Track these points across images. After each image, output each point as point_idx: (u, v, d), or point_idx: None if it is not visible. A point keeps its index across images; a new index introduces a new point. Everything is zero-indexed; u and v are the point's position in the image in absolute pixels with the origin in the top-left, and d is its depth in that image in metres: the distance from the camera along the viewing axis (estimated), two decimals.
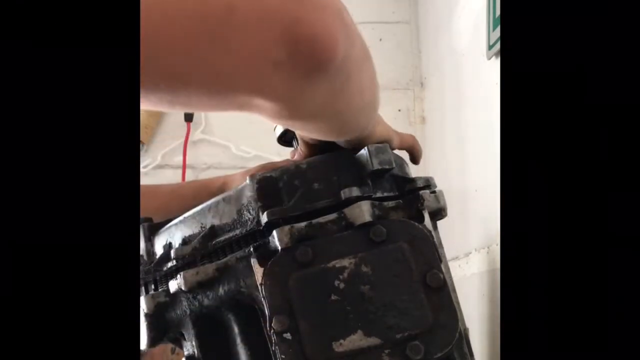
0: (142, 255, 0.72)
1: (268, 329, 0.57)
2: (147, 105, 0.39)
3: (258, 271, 0.58)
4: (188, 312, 0.65)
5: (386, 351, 0.55)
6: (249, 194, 0.62)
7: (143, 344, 0.68)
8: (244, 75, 0.36)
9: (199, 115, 1.91)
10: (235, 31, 0.34)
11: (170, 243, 0.70)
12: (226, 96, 0.39)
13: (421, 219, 0.61)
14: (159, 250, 0.71)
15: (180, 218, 0.70)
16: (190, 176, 1.89)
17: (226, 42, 0.34)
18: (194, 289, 0.63)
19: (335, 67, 0.36)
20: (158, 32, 0.34)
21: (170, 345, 0.86)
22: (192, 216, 0.68)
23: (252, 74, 0.36)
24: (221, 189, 0.88)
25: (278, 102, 0.40)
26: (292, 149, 0.80)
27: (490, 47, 1.28)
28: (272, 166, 0.75)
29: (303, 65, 0.36)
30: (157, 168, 1.89)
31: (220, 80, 0.37)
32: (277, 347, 0.56)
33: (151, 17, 0.33)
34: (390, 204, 0.61)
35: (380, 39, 2.01)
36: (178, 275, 0.63)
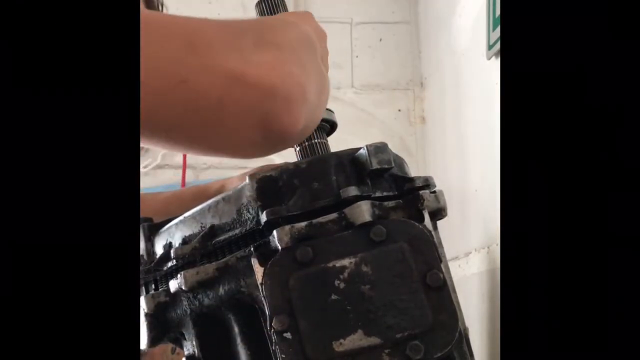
0: (142, 255, 0.72)
1: (268, 328, 0.57)
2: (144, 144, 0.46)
3: (258, 271, 0.58)
4: (188, 311, 0.65)
5: (386, 351, 0.55)
6: (248, 193, 0.62)
7: (143, 343, 0.68)
8: (227, 149, 0.48)
9: None
10: (223, 121, 0.43)
11: (170, 243, 0.70)
12: (209, 154, 0.52)
13: (421, 219, 0.61)
14: (159, 250, 0.71)
15: (180, 218, 0.70)
16: (190, 176, 1.89)
17: (215, 128, 0.43)
18: (194, 289, 0.63)
19: (296, 138, 0.47)
20: (157, 114, 0.41)
21: (170, 345, 0.85)
22: (192, 216, 0.68)
23: (234, 149, 0.49)
24: (219, 192, 0.88)
25: (244, 158, 0.55)
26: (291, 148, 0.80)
27: (490, 47, 1.28)
28: (271, 167, 0.76)
29: (272, 143, 0.46)
30: (157, 168, 1.89)
31: (207, 149, 0.49)
32: (277, 347, 0.56)
33: (149, 100, 0.40)
34: (391, 203, 0.61)
35: (380, 39, 2.01)
36: (178, 275, 0.63)
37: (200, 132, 0.44)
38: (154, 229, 0.73)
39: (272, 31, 0.49)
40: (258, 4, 0.74)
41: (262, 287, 0.58)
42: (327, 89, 0.53)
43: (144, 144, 0.46)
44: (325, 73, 0.53)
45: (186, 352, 0.69)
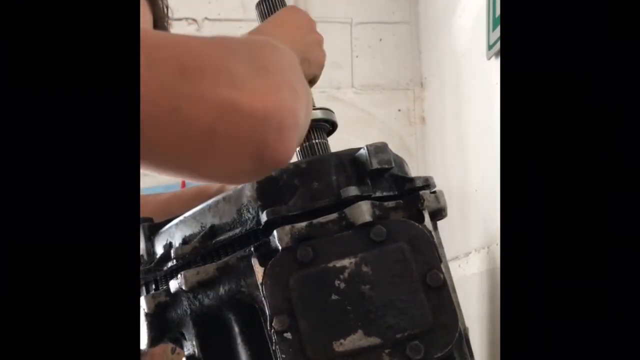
0: (142, 255, 0.72)
1: (269, 328, 0.57)
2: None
3: (259, 271, 0.59)
4: (188, 311, 0.65)
5: (386, 351, 0.55)
6: (248, 193, 0.62)
7: (143, 343, 0.68)
8: (218, 177, 0.48)
9: None
10: (215, 150, 0.42)
11: (170, 243, 0.70)
12: (200, 181, 0.52)
13: (421, 219, 0.61)
14: (159, 250, 0.71)
15: (180, 218, 0.70)
16: None
17: (207, 156, 0.43)
18: (194, 289, 0.63)
19: (287, 162, 0.46)
20: (148, 141, 0.40)
21: (170, 345, 0.86)
22: (192, 216, 0.68)
23: (225, 177, 0.49)
24: (220, 192, 0.88)
25: (235, 184, 0.55)
26: None
27: (490, 47, 1.28)
28: None
29: (265, 169, 0.46)
30: None
31: (198, 177, 0.50)
32: (277, 347, 0.56)
33: (144, 129, 0.39)
34: (391, 204, 0.61)
35: (380, 39, 2.01)
36: (178, 275, 0.63)
37: (191, 160, 0.44)
38: (154, 229, 0.73)
39: (264, 54, 0.48)
40: (258, 4, 0.75)
41: (262, 287, 0.58)
42: (311, 106, 0.53)
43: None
44: (309, 90, 0.52)
45: (186, 352, 0.69)
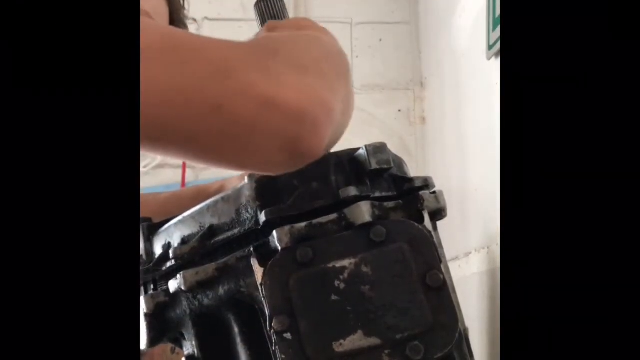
0: (142, 255, 0.72)
1: (268, 328, 0.57)
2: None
3: (258, 271, 0.58)
4: (188, 311, 0.65)
5: (386, 351, 0.55)
6: (247, 193, 0.62)
7: (143, 344, 0.68)
8: (252, 167, 0.50)
9: None
10: (252, 143, 0.44)
11: (169, 243, 0.70)
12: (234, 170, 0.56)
13: (421, 219, 0.61)
14: (158, 250, 0.71)
15: (179, 218, 0.70)
16: (190, 176, 1.89)
17: (244, 149, 0.45)
18: (194, 289, 0.63)
19: (319, 156, 0.47)
20: (192, 139, 0.44)
21: (170, 345, 0.85)
22: (191, 216, 0.68)
23: (259, 167, 0.50)
24: (219, 192, 0.88)
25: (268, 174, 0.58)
26: None
27: (490, 47, 1.28)
28: None
29: (297, 162, 0.48)
30: (157, 168, 1.89)
31: (234, 167, 0.51)
32: (277, 347, 0.56)
33: (185, 127, 0.42)
34: (390, 204, 0.61)
35: (380, 39, 2.01)
36: (178, 275, 0.63)
37: (229, 153, 0.46)
38: (153, 229, 0.73)
39: (301, 50, 0.50)
40: (257, 4, 0.74)
41: (262, 287, 0.58)
42: (352, 105, 0.54)
43: (170, 157, 0.45)
44: (352, 89, 0.53)
45: (186, 352, 0.69)
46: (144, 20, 0.43)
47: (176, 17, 0.80)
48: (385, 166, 0.61)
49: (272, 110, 0.43)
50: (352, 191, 0.59)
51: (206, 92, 0.42)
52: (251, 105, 0.43)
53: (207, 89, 0.42)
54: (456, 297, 0.61)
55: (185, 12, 0.83)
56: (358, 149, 0.63)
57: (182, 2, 0.82)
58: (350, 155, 0.63)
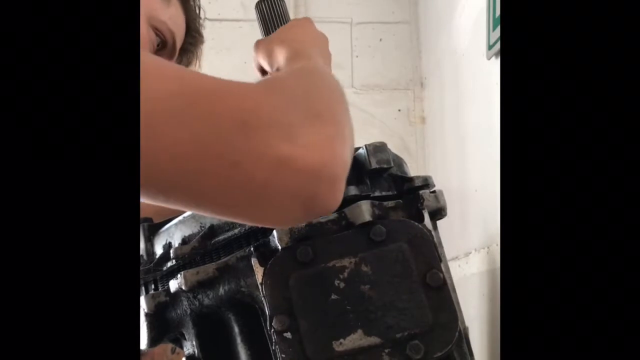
0: (142, 255, 0.72)
1: (268, 328, 0.57)
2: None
3: (258, 270, 0.59)
4: (188, 311, 0.66)
5: (386, 350, 0.55)
6: None
7: (143, 343, 0.68)
8: (268, 223, 0.49)
9: None
10: (267, 201, 0.43)
11: (169, 243, 0.70)
12: (250, 224, 0.58)
13: (421, 219, 0.61)
14: (158, 250, 0.71)
15: (180, 218, 0.70)
16: None
17: (259, 206, 0.44)
18: (194, 289, 0.63)
19: (334, 209, 0.47)
20: (207, 194, 0.43)
21: (170, 345, 0.86)
22: (192, 216, 0.68)
23: (275, 222, 0.49)
24: None
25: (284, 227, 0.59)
26: None
27: (490, 47, 1.28)
28: None
29: (312, 216, 0.47)
30: None
31: (249, 221, 0.51)
32: (277, 347, 0.56)
33: (202, 182, 0.42)
34: (390, 203, 0.61)
35: (380, 39, 2.01)
36: (178, 275, 0.64)
37: (244, 210, 0.45)
38: (154, 229, 0.73)
39: (314, 95, 0.49)
40: (258, 4, 0.74)
41: (262, 287, 0.58)
42: (354, 138, 0.53)
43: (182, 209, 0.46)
44: (351, 121, 0.52)
45: (186, 352, 0.69)
46: (161, 62, 0.43)
47: (192, 26, 0.80)
48: (385, 165, 0.61)
49: (288, 169, 0.42)
50: (352, 190, 0.59)
51: (224, 149, 0.42)
52: (269, 165, 0.42)
53: (225, 145, 0.42)
54: (456, 297, 0.61)
55: (201, 21, 0.83)
56: (358, 148, 0.63)
57: (197, 11, 0.82)
58: None
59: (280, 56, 0.65)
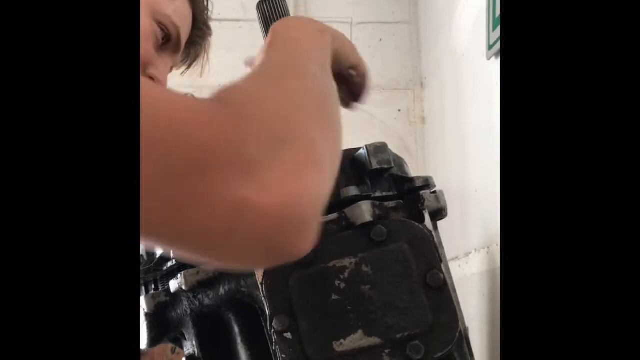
0: (142, 255, 0.72)
1: (269, 328, 0.57)
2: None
3: (259, 271, 0.59)
4: (188, 311, 0.66)
5: (386, 351, 0.55)
6: None
7: (143, 343, 0.68)
8: (234, 266, 0.47)
9: None
10: (230, 247, 0.39)
11: None
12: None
13: (421, 219, 0.61)
14: (158, 250, 0.71)
15: None
16: None
17: (222, 251, 0.40)
18: (194, 289, 0.63)
19: (305, 253, 0.43)
20: (160, 234, 0.39)
21: (170, 345, 0.86)
22: None
23: (241, 267, 0.49)
24: None
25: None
26: None
27: (490, 47, 1.28)
28: None
29: (281, 261, 0.42)
30: None
31: (216, 264, 0.44)
32: (277, 347, 0.56)
33: (152, 221, 0.37)
34: (391, 204, 0.61)
35: (380, 39, 2.01)
36: (179, 275, 0.64)
37: (207, 253, 0.40)
38: None
39: (292, 112, 0.43)
40: (259, 5, 0.74)
41: (262, 287, 0.58)
42: (340, 146, 0.47)
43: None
44: (339, 126, 0.47)
45: (186, 352, 0.69)
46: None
47: (200, 19, 0.78)
48: (386, 166, 0.61)
49: (249, 213, 0.37)
50: (353, 191, 0.59)
51: (174, 189, 0.36)
52: (225, 208, 0.37)
53: (175, 185, 0.36)
54: (456, 297, 0.61)
55: (209, 13, 0.82)
56: (359, 148, 0.63)
57: (205, 3, 0.81)
58: (350, 155, 0.63)
59: (262, 55, 0.56)
